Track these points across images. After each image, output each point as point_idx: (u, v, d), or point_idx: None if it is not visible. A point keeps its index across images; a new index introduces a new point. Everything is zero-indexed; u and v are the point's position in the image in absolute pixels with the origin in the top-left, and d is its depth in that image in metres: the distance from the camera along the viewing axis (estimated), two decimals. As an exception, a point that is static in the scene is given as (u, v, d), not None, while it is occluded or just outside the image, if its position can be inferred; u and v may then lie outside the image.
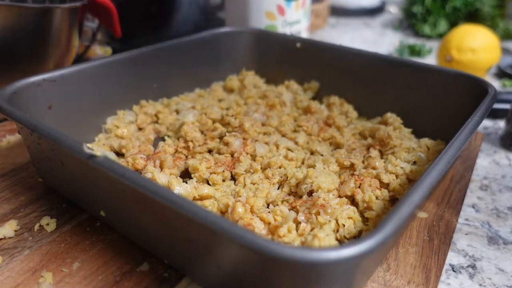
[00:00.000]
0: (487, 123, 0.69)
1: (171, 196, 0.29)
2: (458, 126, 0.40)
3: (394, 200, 0.42)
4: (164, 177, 0.42)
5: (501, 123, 0.69)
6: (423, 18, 1.16)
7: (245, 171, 0.46)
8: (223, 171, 0.46)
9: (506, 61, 0.90)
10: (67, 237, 0.40)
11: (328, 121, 0.57)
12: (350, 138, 0.53)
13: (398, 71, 0.56)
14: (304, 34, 0.83)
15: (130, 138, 0.53)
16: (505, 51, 0.96)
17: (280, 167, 0.47)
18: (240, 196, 0.42)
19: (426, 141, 0.50)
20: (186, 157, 0.51)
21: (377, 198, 0.41)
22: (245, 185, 0.45)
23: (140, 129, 0.57)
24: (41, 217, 0.42)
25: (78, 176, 0.40)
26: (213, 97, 0.64)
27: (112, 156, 0.48)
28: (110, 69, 0.54)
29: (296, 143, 0.52)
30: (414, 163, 0.46)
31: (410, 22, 1.21)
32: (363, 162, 0.47)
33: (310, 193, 0.42)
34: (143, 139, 0.53)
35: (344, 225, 0.38)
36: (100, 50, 0.85)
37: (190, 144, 0.51)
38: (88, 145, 0.46)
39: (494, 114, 0.70)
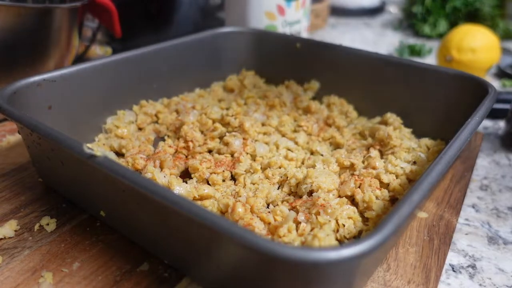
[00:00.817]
0: (487, 123, 0.69)
1: (171, 196, 0.29)
2: (458, 126, 0.40)
3: (394, 200, 0.42)
4: (164, 177, 0.42)
5: (501, 123, 0.69)
6: (423, 18, 1.16)
7: (245, 171, 0.46)
8: (223, 171, 0.46)
9: (506, 61, 0.90)
10: (67, 237, 0.40)
11: (328, 121, 0.57)
12: (350, 138, 0.53)
13: (398, 71, 0.56)
14: (304, 34, 0.83)
15: (130, 138, 0.53)
16: (505, 51, 0.96)
17: (280, 167, 0.47)
18: (240, 196, 0.42)
19: (426, 141, 0.50)
20: (186, 157, 0.51)
21: (377, 198, 0.41)
22: (245, 185, 0.45)
23: (140, 129, 0.57)
24: (41, 217, 0.42)
25: (78, 176, 0.40)
26: (213, 97, 0.64)
27: (112, 156, 0.48)
28: (110, 69, 0.54)
29: (296, 143, 0.52)
30: (414, 163, 0.46)
31: (410, 22, 1.21)
32: (363, 162, 0.47)
33: (310, 193, 0.42)
34: (143, 139, 0.53)
35: (344, 225, 0.38)
36: (100, 50, 0.85)
37: (190, 144, 0.51)
38: (88, 145, 0.46)
39: (494, 114, 0.70)
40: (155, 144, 0.54)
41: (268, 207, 0.41)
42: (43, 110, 0.47)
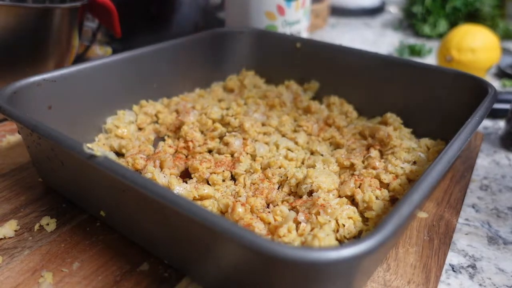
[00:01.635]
0: (487, 123, 0.69)
1: (171, 196, 0.29)
2: (458, 126, 0.40)
3: (394, 200, 0.42)
4: (164, 177, 0.42)
5: (501, 123, 0.69)
6: (423, 18, 1.16)
7: (245, 171, 0.46)
8: (223, 171, 0.46)
9: (506, 61, 0.90)
10: (67, 237, 0.40)
11: (328, 121, 0.57)
12: (350, 138, 0.53)
13: (398, 71, 0.56)
14: (304, 34, 0.83)
15: (130, 138, 0.53)
16: (505, 51, 0.96)
17: (280, 167, 0.47)
18: (240, 196, 0.42)
19: (426, 141, 0.50)
20: (186, 157, 0.51)
21: (377, 198, 0.41)
22: (245, 185, 0.45)
23: (140, 129, 0.57)
24: (41, 217, 0.42)
25: (78, 176, 0.40)
26: (213, 97, 0.64)
27: (112, 156, 0.48)
28: (110, 69, 0.54)
29: (296, 143, 0.52)
30: (414, 163, 0.46)
31: (410, 22, 1.21)
32: (363, 162, 0.47)
33: (310, 193, 0.42)
34: (143, 139, 0.53)
35: (344, 225, 0.38)
36: (100, 50, 0.85)
37: (190, 144, 0.51)
38: (88, 145, 0.46)
39: (494, 114, 0.70)
40: (155, 144, 0.54)
41: (268, 207, 0.41)
42: (43, 110, 0.47)
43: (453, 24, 1.11)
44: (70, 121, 0.50)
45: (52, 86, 0.48)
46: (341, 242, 0.38)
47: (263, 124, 0.55)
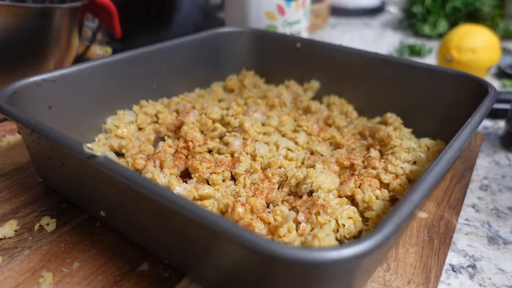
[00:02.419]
0: (487, 123, 0.69)
1: (171, 196, 0.29)
2: (458, 126, 0.40)
3: (394, 200, 0.42)
4: (164, 177, 0.42)
5: (501, 123, 0.69)
6: (423, 18, 1.16)
7: (245, 171, 0.46)
8: (223, 171, 0.46)
9: (506, 61, 0.90)
10: (67, 237, 0.40)
11: (328, 121, 0.57)
12: (350, 138, 0.53)
13: (398, 71, 0.56)
14: (304, 34, 0.83)
15: (130, 138, 0.53)
16: (505, 51, 0.96)
17: (280, 167, 0.47)
18: (240, 196, 0.42)
19: (426, 141, 0.50)
20: (186, 157, 0.51)
21: (377, 198, 0.41)
22: (245, 185, 0.45)
23: (140, 129, 0.57)
24: (41, 217, 0.42)
25: (78, 176, 0.40)
26: (213, 97, 0.64)
27: (112, 156, 0.48)
28: (110, 69, 0.54)
29: (296, 143, 0.52)
30: (414, 163, 0.46)
31: (410, 22, 1.21)
32: (363, 162, 0.47)
33: (310, 193, 0.42)
34: (143, 139, 0.53)
35: (344, 225, 0.38)
36: (100, 50, 0.85)
37: (190, 144, 0.51)
38: (88, 145, 0.46)
39: (494, 114, 0.70)
40: (155, 144, 0.54)
41: (268, 207, 0.41)
42: (43, 110, 0.47)
43: (453, 24, 1.11)
44: (70, 121, 0.50)
45: (52, 86, 0.48)
46: (341, 242, 0.38)
47: (263, 124, 0.55)
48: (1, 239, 0.40)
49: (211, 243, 0.30)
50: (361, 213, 0.40)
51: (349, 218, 0.39)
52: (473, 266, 0.40)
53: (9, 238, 0.40)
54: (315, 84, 0.64)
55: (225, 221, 0.27)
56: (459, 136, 0.37)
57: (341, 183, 0.43)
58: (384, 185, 0.43)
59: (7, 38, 0.56)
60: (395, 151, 0.48)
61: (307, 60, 0.65)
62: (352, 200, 0.42)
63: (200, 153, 0.50)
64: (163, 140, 0.55)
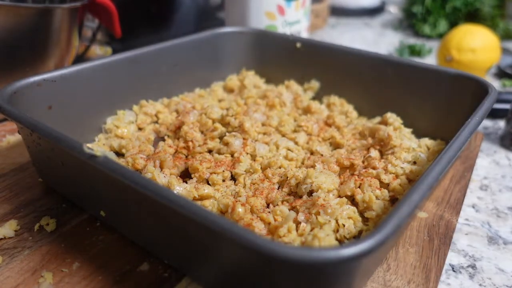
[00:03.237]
0: (487, 123, 0.69)
1: (171, 196, 0.29)
2: (458, 126, 0.40)
3: (394, 200, 0.42)
4: (164, 177, 0.42)
5: (501, 123, 0.69)
6: (423, 18, 1.16)
7: (245, 171, 0.46)
8: (223, 171, 0.46)
9: (506, 61, 0.90)
10: (67, 237, 0.40)
11: (328, 121, 0.57)
12: (350, 138, 0.53)
13: (398, 71, 0.56)
14: (304, 34, 0.83)
15: (130, 138, 0.53)
16: (505, 51, 0.96)
17: (280, 167, 0.47)
18: (240, 196, 0.42)
19: (426, 141, 0.50)
20: (186, 157, 0.51)
21: (377, 198, 0.41)
22: (245, 185, 0.45)
23: (140, 129, 0.57)
24: (41, 217, 0.42)
25: (78, 176, 0.40)
26: (213, 97, 0.64)
27: (112, 156, 0.48)
28: (110, 69, 0.54)
29: (296, 143, 0.52)
30: (414, 163, 0.46)
31: (410, 22, 1.21)
32: (363, 162, 0.47)
33: (310, 193, 0.42)
34: (143, 139, 0.53)
35: (344, 225, 0.38)
36: (100, 50, 0.85)
37: (190, 144, 0.50)
38: (88, 145, 0.46)
39: (494, 114, 0.70)
40: (155, 144, 0.54)
41: (268, 207, 0.41)
42: (43, 110, 0.47)
43: (453, 24, 1.11)
44: (70, 121, 0.50)
45: (52, 86, 0.48)
46: (341, 242, 0.38)
47: (263, 124, 0.55)
48: (1, 239, 0.40)
49: (211, 243, 0.30)
50: (361, 213, 0.40)
51: (349, 218, 0.39)
52: (473, 266, 0.40)
53: (9, 238, 0.40)
54: (315, 84, 0.64)
55: (225, 221, 0.27)
56: (459, 136, 0.37)
57: (341, 183, 0.43)
58: (384, 185, 0.43)
59: (7, 38, 0.56)
60: (395, 151, 0.48)
61: (307, 60, 0.65)
62: (352, 200, 0.42)
63: (200, 153, 0.50)
64: (163, 140, 0.55)
